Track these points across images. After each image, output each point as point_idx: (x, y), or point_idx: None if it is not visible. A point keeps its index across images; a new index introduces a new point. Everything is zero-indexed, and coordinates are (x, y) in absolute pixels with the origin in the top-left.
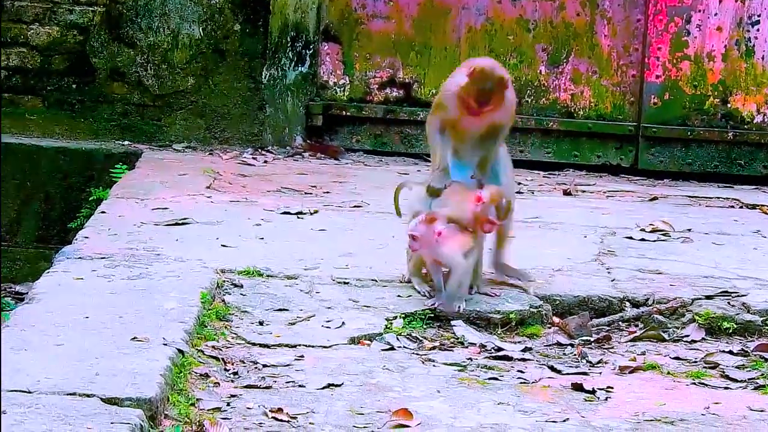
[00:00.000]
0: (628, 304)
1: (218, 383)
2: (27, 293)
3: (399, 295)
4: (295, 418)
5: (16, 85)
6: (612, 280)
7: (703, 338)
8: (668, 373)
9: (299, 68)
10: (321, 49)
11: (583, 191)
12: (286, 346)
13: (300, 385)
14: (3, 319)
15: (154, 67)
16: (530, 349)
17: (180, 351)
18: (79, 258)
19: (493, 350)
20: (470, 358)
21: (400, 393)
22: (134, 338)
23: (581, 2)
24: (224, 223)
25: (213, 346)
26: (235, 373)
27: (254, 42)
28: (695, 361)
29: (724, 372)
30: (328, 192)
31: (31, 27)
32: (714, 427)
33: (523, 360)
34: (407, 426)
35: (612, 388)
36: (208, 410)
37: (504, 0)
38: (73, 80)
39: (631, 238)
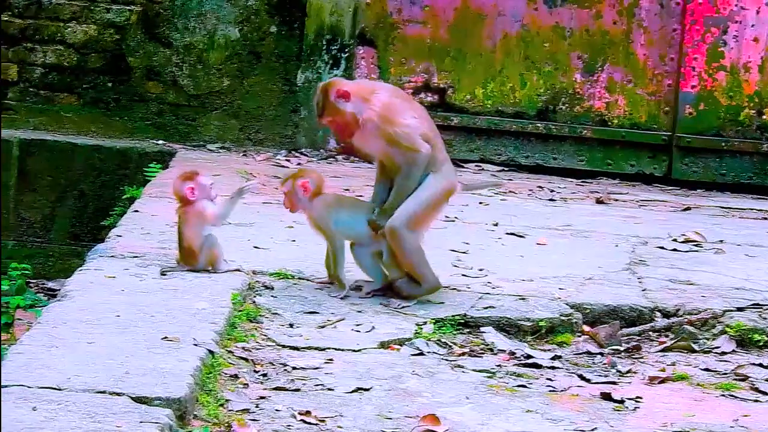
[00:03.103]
0: (658, 314)
1: (247, 385)
2: (59, 290)
3: (429, 300)
4: (323, 421)
5: (52, 83)
6: (643, 290)
7: (733, 350)
8: (698, 384)
9: (334, 71)
10: (356, 53)
11: (616, 200)
12: (316, 349)
13: (329, 389)
14: (34, 316)
15: (190, 67)
16: (560, 357)
17: (210, 351)
18: (112, 256)
19: (522, 358)
20: (499, 365)
21: (428, 398)
22: (165, 338)
23: (618, 11)
24: (256, 224)
25: (243, 348)
26: (265, 375)
27: (290, 44)
28: (725, 373)
29: (753, 384)
30: (360, 195)
31: (68, 25)
32: None
33: (553, 368)
34: None
35: (641, 398)
36: (236, 411)
37: (540, 7)
38: (109, 79)
39: (663, 248)
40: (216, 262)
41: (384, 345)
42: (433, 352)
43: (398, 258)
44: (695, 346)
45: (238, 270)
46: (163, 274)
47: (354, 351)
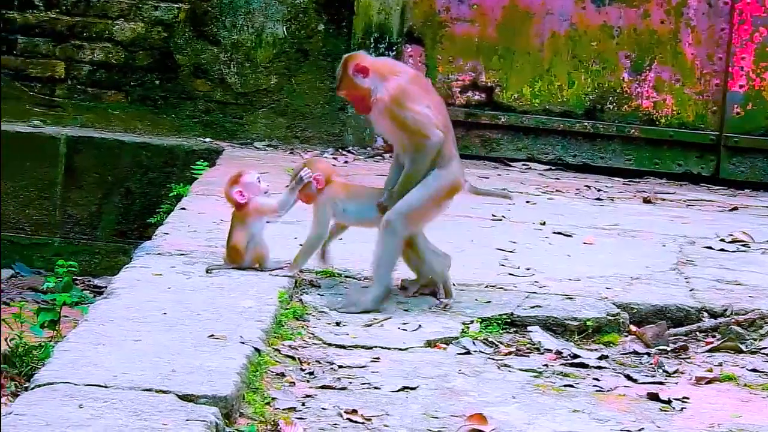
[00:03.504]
0: (705, 314)
1: (294, 383)
2: (105, 287)
3: (476, 299)
4: (369, 419)
5: (100, 80)
6: (690, 290)
7: None
8: (745, 385)
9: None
10: (404, 51)
11: (663, 199)
12: (362, 347)
13: (375, 387)
14: (81, 313)
15: (238, 65)
16: (606, 357)
17: (257, 350)
18: (159, 254)
19: (569, 357)
20: (546, 365)
21: (475, 398)
22: (211, 336)
23: (666, 10)
24: (303, 222)
25: (290, 346)
26: (311, 373)
27: (337, 42)
28: None
29: None
30: None
31: (116, 22)
32: None
33: (599, 368)
34: (482, 431)
35: (688, 398)
36: (283, 410)
37: (588, 6)
38: (157, 76)
39: (710, 248)
40: (263, 261)
41: (430, 344)
42: (480, 351)
43: (375, 251)
44: (742, 347)
45: (284, 268)
46: (208, 271)
47: (400, 350)
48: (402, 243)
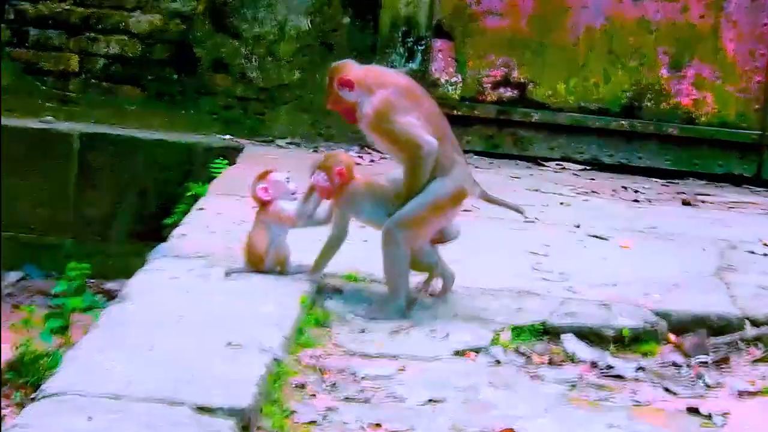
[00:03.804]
0: (748, 323)
1: (315, 394)
2: (119, 291)
3: (508, 306)
4: None
5: (115, 74)
6: (732, 297)
7: None
8: None
9: (409, 64)
10: (433, 46)
11: (703, 201)
12: (388, 356)
13: (400, 399)
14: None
15: (259, 59)
16: (644, 368)
17: (276, 359)
18: (175, 256)
19: (604, 368)
20: (580, 376)
21: (505, 411)
22: (229, 343)
23: (705, 4)
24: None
25: (311, 355)
26: (333, 385)
27: (363, 36)
28: None
29: None
30: None
31: (133, 14)
32: None
33: (636, 380)
34: None
35: (729, 413)
36: (303, 423)
37: (625, 0)
38: (174, 70)
39: (753, 252)
40: (284, 264)
41: (459, 353)
42: (511, 362)
43: (383, 263)
44: None
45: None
46: (227, 275)
47: (427, 359)
48: (407, 251)
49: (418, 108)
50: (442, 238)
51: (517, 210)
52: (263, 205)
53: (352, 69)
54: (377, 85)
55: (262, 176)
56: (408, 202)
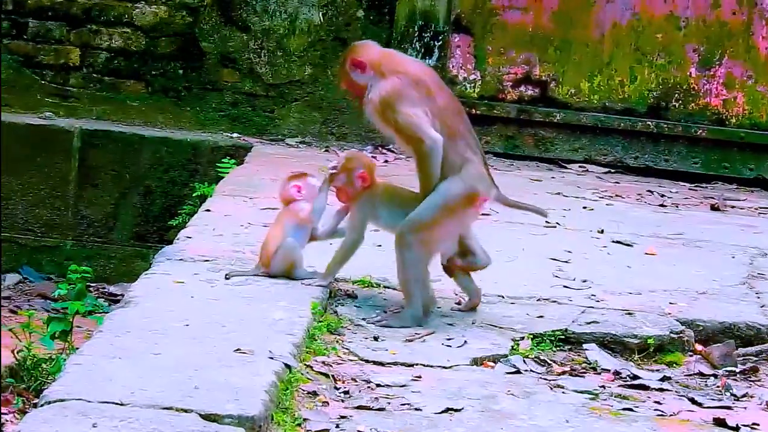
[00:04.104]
0: None
1: (327, 402)
2: (122, 295)
3: (528, 314)
4: None
5: (118, 68)
6: (761, 306)
7: None
8: None
9: (426, 60)
10: (451, 41)
11: (733, 207)
12: (402, 364)
13: (416, 408)
14: (95, 323)
15: (269, 53)
16: (669, 378)
17: (287, 366)
18: (181, 259)
19: (628, 378)
20: (603, 386)
21: (525, 421)
22: (238, 350)
23: (738, 0)
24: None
25: (323, 362)
26: (346, 393)
27: (378, 31)
28: None
29: None
30: None
31: (137, 6)
32: None
33: (661, 390)
34: None
35: (758, 425)
36: (315, 431)
37: None
38: (180, 65)
39: None
40: (293, 268)
41: (477, 361)
42: (531, 371)
43: (396, 268)
44: None
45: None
46: (227, 278)
47: (444, 367)
48: (420, 256)
49: (430, 101)
50: (471, 266)
51: (538, 212)
52: (288, 202)
53: (368, 50)
54: (390, 71)
55: (299, 177)
56: (420, 204)
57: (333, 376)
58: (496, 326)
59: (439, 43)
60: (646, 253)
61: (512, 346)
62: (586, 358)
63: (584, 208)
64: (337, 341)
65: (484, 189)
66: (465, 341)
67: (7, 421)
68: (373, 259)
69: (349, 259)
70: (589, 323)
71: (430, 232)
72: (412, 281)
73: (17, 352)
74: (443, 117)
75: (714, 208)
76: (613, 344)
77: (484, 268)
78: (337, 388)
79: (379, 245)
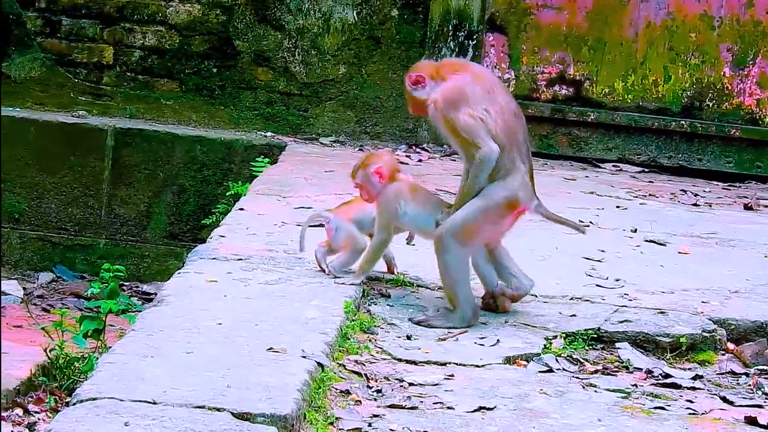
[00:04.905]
0: None
1: (360, 401)
2: (155, 294)
3: (560, 312)
4: None
5: (151, 67)
6: None
7: None
8: None
9: (460, 59)
10: (485, 40)
11: (766, 206)
12: (435, 363)
13: (449, 407)
14: (128, 322)
15: (303, 52)
16: (701, 377)
17: (319, 364)
18: (214, 258)
19: (660, 377)
20: (635, 385)
21: (557, 420)
22: (270, 349)
23: None
24: None
25: (356, 361)
26: (379, 391)
27: (412, 30)
28: None
29: None
30: None
31: (171, 4)
32: None
33: (693, 389)
34: None
35: None
36: (347, 430)
37: None
38: (214, 64)
39: None
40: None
41: (510, 360)
42: (563, 369)
43: (439, 272)
44: None
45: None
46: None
47: (477, 366)
48: (462, 257)
49: (491, 98)
50: (518, 295)
51: (577, 228)
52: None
53: (423, 65)
54: (451, 71)
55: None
56: (460, 207)
57: (366, 374)
58: (528, 325)
59: (474, 43)
60: (679, 252)
61: (545, 345)
62: (619, 356)
63: (618, 207)
64: (369, 340)
65: (525, 199)
66: (498, 340)
67: (39, 419)
68: (407, 259)
69: (378, 259)
70: (621, 322)
71: (469, 236)
72: (456, 283)
73: (50, 351)
74: (505, 117)
75: (747, 207)
76: (645, 343)
77: (526, 293)
78: (370, 387)
79: (413, 243)
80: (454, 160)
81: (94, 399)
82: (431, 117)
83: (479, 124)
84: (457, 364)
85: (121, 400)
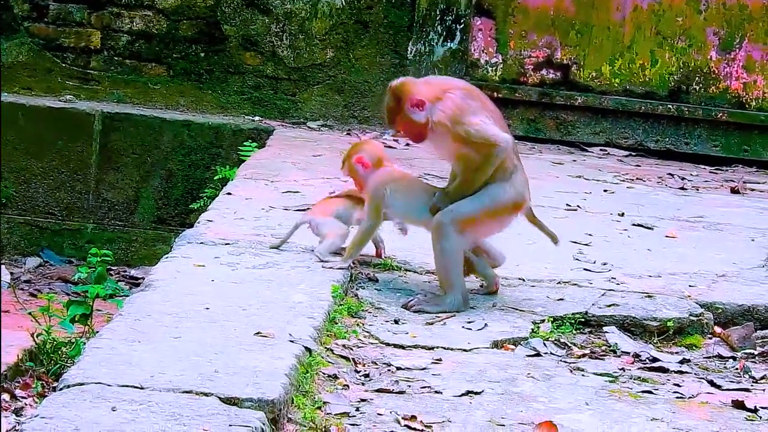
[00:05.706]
0: None
1: (347, 386)
2: (143, 279)
3: (548, 296)
4: (429, 427)
5: (139, 52)
6: None
7: None
8: None
9: (448, 44)
10: (473, 24)
11: (753, 190)
12: (423, 347)
13: (436, 391)
14: (115, 307)
15: (290, 36)
16: (688, 360)
17: (307, 349)
18: (201, 243)
19: (647, 361)
20: (622, 369)
21: (545, 404)
22: (258, 333)
23: None
24: None
25: (343, 345)
26: (366, 376)
27: (400, 14)
28: None
29: None
30: None
31: None
32: None
33: (680, 372)
34: None
35: None
36: (335, 415)
37: None
38: (202, 48)
39: None
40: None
41: (497, 344)
42: (551, 353)
43: (434, 256)
44: None
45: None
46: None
47: (464, 351)
48: (459, 247)
49: (484, 108)
50: (493, 266)
51: (552, 237)
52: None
53: (417, 87)
54: (443, 90)
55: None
56: (463, 199)
57: (353, 359)
58: (516, 309)
59: (461, 27)
60: (667, 236)
61: (532, 329)
62: (606, 340)
63: (605, 191)
64: (357, 324)
65: (528, 199)
66: (485, 324)
67: (26, 404)
68: (394, 243)
69: (366, 243)
70: (609, 306)
71: (472, 229)
72: (452, 268)
73: (37, 336)
74: (499, 123)
75: (734, 191)
76: (632, 327)
77: (501, 265)
78: (358, 371)
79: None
80: None
81: (81, 384)
82: (435, 137)
83: (487, 125)
84: (444, 348)
85: (109, 385)
